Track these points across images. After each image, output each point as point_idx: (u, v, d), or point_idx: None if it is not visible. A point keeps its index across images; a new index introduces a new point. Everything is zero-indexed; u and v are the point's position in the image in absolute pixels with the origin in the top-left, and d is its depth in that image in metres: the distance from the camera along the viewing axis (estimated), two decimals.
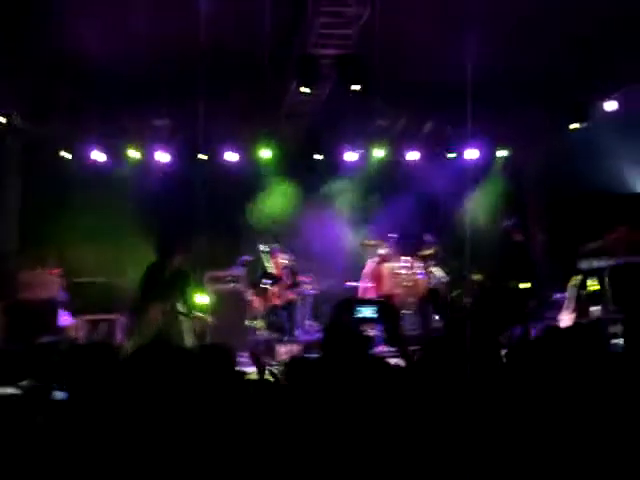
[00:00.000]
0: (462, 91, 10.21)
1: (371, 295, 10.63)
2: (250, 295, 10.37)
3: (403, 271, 11.28)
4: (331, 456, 2.63)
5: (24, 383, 4.78)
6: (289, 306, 9.72)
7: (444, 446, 2.60)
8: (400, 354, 3.46)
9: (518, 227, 10.26)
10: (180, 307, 8.62)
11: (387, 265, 10.89)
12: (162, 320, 8.46)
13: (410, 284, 11.26)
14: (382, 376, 3.31)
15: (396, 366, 4.69)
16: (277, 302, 9.59)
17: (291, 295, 9.65)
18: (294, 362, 3.74)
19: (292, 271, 9.88)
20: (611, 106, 11.14)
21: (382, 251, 10.90)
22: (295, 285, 10.04)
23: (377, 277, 10.85)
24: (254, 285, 10.04)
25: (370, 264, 11.02)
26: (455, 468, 2.49)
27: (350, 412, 2.88)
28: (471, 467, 2.45)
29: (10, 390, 5.58)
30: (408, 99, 11.40)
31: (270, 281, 9.62)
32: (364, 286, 10.99)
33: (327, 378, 3.35)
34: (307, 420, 2.88)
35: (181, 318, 8.61)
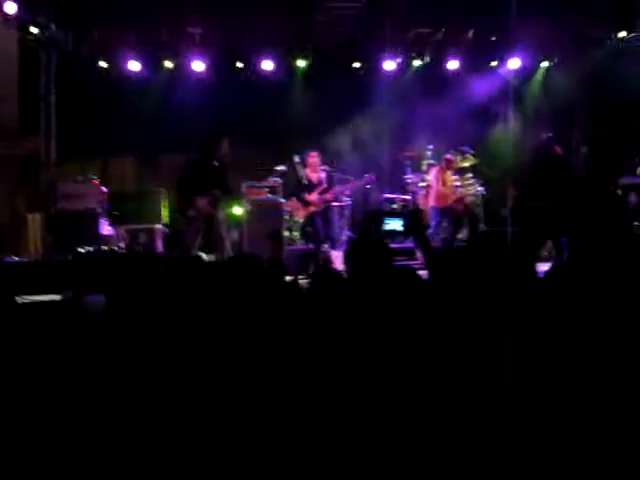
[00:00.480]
0: None
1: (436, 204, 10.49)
2: (287, 205, 10.36)
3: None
4: (349, 371, 2.66)
5: (66, 292, 4.89)
6: (326, 214, 9.55)
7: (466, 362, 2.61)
8: (425, 266, 3.47)
9: (558, 140, 10.02)
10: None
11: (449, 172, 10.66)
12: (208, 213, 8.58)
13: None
14: (406, 286, 3.31)
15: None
16: (314, 209, 9.46)
17: (329, 197, 9.47)
18: (319, 273, 3.77)
19: (329, 177, 9.70)
20: None
21: (448, 155, 10.66)
22: (331, 189, 9.78)
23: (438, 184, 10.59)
24: (291, 195, 9.97)
25: (433, 171, 10.79)
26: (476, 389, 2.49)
27: (371, 325, 2.91)
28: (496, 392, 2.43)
29: (52, 297, 5.78)
30: (449, 6, 11.08)
31: (306, 190, 9.50)
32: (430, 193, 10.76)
33: (350, 290, 3.39)
34: (326, 331, 2.92)
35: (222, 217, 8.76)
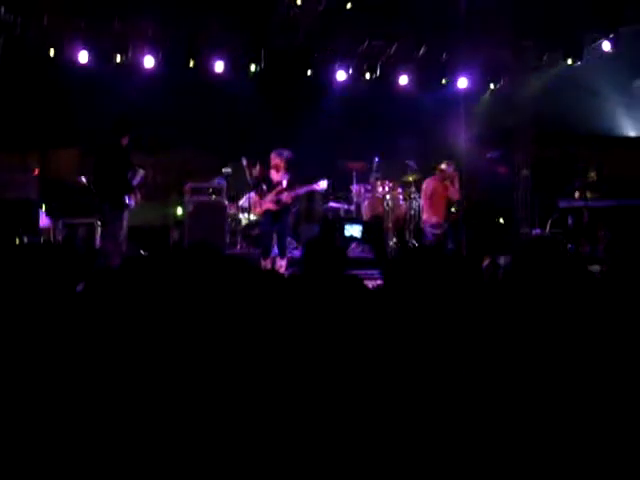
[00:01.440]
0: (458, 18, 10.14)
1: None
2: (249, 199, 10.32)
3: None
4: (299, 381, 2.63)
5: None
6: (281, 217, 9.56)
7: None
8: (381, 274, 3.49)
9: (502, 159, 10.28)
10: None
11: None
12: None
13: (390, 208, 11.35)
14: (358, 296, 3.34)
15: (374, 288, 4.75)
16: (270, 207, 9.48)
17: (286, 197, 9.49)
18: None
19: (289, 180, 9.70)
20: (606, 46, 11.19)
21: (442, 166, 10.76)
22: (290, 191, 9.78)
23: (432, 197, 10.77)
24: (252, 189, 9.97)
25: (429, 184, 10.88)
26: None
27: (323, 330, 2.90)
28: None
29: None
30: (404, 22, 11.25)
31: (265, 188, 9.52)
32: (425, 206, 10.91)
33: (305, 295, 3.37)
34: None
35: None
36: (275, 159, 9.52)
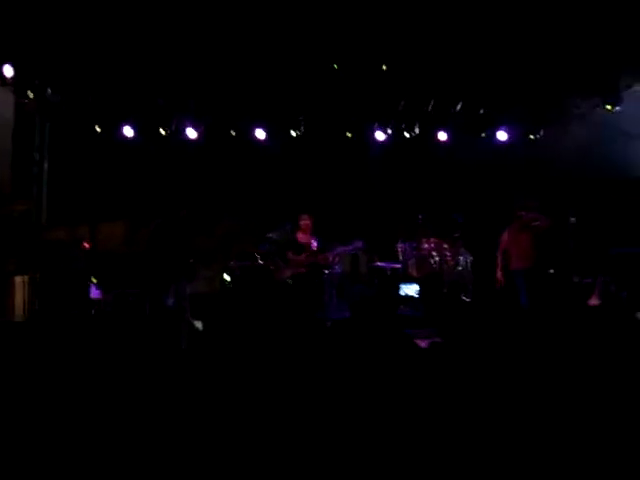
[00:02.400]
0: (495, 72, 10.24)
1: None
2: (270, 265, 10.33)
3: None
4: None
5: None
6: (315, 278, 9.57)
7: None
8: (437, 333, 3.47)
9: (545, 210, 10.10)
10: None
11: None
12: None
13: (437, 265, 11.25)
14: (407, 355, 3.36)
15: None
16: (300, 270, 9.49)
17: (317, 259, 9.50)
18: None
19: (319, 243, 9.73)
20: None
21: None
22: (320, 254, 9.78)
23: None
24: (272, 256, 9.99)
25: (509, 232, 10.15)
26: None
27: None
28: None
29: None
30: (439, 78, 11.37)
31: (294, 251, 9.57)
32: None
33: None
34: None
35: None
36: (302, 221, 9.64)
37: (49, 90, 10.93)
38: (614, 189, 12.39)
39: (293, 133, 12.06)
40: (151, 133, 11.80)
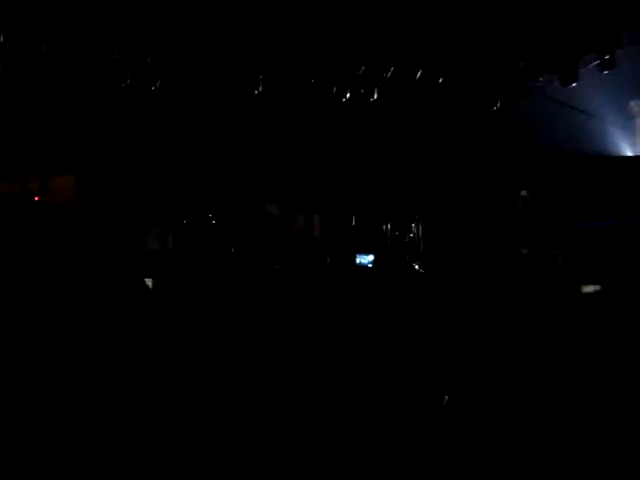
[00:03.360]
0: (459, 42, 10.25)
1: None
2: None
3: None
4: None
5: None
6: None
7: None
8: None
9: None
10: None
11: None
12: None
13: None
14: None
15: None
16: None
17: None
18: None
19: None
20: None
21: None
22: None
23: None
24: None
25: None
26: None
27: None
28: None
29: None
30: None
31: None
32: None
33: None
34: None
35: None
36: None
37: (1, 37, 10.57)
38: (567, 164, 12.60)
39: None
40: (105, 85, 11.52)
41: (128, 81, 11.27)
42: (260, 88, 11.77)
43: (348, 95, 12.24)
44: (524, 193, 12.44)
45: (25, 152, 11.62)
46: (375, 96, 12.34)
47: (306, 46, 11.00)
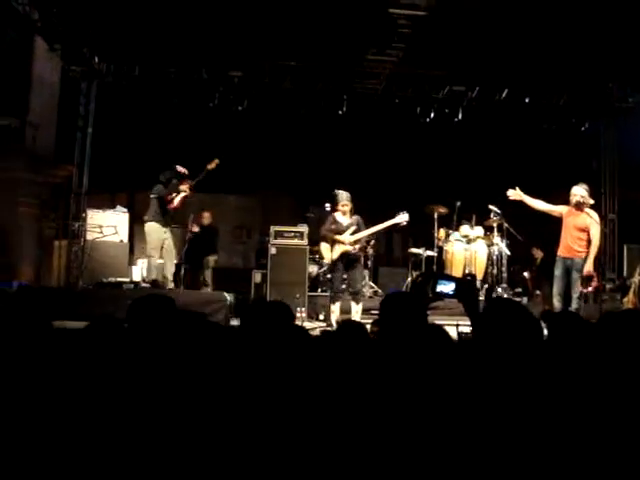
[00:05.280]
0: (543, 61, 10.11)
1: None
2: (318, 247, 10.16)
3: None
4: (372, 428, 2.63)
5: None
6: (352, 261, 9.42)
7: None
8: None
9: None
10: None
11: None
12: None
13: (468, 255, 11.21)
14: (435, 345, 3.31)
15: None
16: (346, 250, 9.32)
17: (345, 248, 9.32)
18: (347, 325, 3.68)
19: (358, 222, 9.53)
20: None
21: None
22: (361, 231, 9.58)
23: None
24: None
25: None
26: None
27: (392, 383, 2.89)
28: None
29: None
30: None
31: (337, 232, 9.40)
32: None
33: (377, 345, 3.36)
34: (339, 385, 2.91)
35: None
36: (344, 202, 9.38)
37: (96, 58, 11.01)
38: None
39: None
40: (195, 105, 11.83)
41: (216, 101, 11.58)
42: (344, 108, 11.90)
43: (432, 115, 12.24)
44: (612, 217, 12.13)
45: (114, 168, 12.02)
46: (460, 116, 12.29)
47: (390, 67, 11.04)
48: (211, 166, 10.08)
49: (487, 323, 3.27)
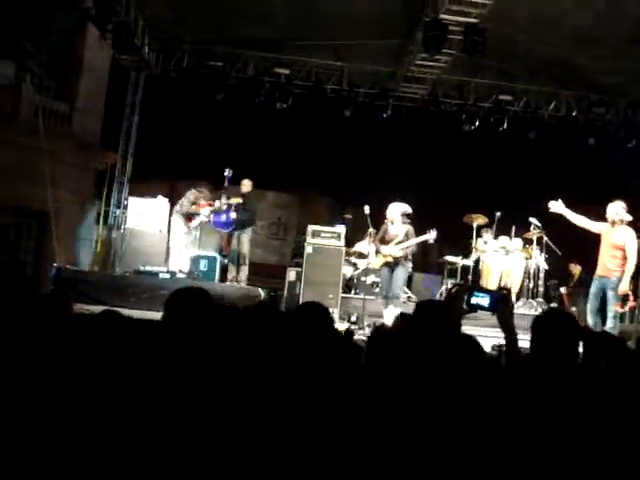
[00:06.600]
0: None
1: None
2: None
3: None
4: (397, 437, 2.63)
5: None
6: (394, 268, 9.41)
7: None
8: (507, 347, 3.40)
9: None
10: None
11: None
12: None
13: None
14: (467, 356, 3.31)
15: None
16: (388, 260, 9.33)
17: (387, 258, 9.33)
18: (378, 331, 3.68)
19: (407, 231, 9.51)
20: None
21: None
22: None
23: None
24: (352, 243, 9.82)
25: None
26: None
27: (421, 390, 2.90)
28: None
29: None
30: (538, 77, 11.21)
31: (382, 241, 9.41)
32: None
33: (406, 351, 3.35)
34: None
35: None
36: (391, 212, 9.38)
37: (146, 49, 11.12)
38: None
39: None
40: (240, 101, 11.89)
41: (261, 97, 11.64)
42: (389, 111, 11.89)
43: (477, 123, 12.17)
44: None
45: (157, 157, 12.13)
46: (505, 125, 12.21)
47: (437, 73, 11.01)
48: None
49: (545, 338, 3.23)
